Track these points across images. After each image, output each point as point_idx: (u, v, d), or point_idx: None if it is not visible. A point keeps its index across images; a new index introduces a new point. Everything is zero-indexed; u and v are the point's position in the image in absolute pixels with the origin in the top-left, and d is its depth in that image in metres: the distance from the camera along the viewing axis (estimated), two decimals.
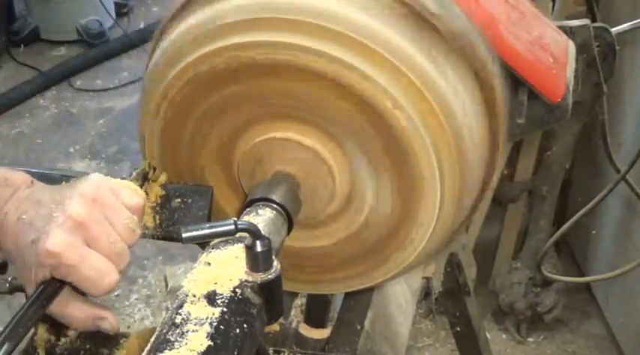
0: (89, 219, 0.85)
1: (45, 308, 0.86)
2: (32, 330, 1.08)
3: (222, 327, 0.74)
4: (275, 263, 0.81)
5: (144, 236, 1.00)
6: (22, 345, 1.08)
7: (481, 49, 0.98)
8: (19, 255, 0.87)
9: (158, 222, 1.01)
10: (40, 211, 0.86)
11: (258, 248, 0.79)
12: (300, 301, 1.67)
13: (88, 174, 0.97)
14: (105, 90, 4.12)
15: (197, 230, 0.77)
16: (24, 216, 0.86)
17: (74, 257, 0.84)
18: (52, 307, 0.88)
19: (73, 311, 0.90)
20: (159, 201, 1.01)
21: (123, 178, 0.99)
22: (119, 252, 0.88)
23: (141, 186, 1.00)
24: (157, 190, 1.02)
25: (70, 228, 0.84)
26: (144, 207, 0.95)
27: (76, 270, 0.85)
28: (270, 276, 0.80)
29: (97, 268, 0.85)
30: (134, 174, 1.02)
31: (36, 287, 0.86)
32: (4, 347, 0.78)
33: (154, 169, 1.04)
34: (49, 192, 0.89)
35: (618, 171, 1.88)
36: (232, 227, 0.77)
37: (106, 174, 0.99)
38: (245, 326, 0.76)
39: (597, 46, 1.28)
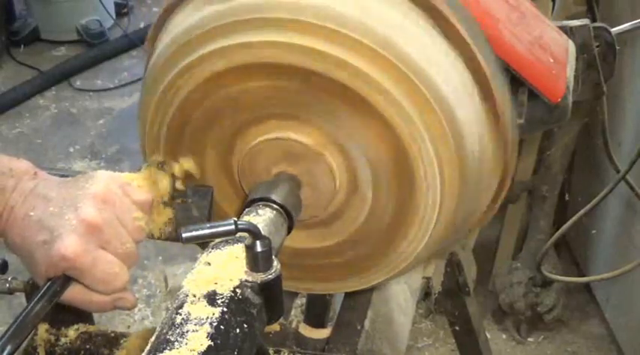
0: (102, 223, 0.86)
1: (53, 301, 0.87)
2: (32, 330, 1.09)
3: (222, 327, 0.74)
4: (275, 263, 0.81)
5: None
6: (23, 345, 1.08)
7: (485, 57, 0.99)
8: (27, 251, 0.88)
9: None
10: (49, 209, 0.87)
11: (258, 248, 0.79)
12: (300, 301, 1.68)
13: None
14: (105, 90, 4.12)
15: (197, 230, 0.77)
16: (31, 213, 0.87)
17: (87, 261, 0.85)
18: (70, 297, 0.89)
19: (91, 298, 0.91)
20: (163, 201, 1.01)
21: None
22: (129, 252, 0.89)
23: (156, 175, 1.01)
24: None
25: (84, 232, 0.85)
26: (151, 203, 0.96)
27: (89, 274, 0.86)
28: (270, 276, 0.80)
29: (108, 271, 0.87)
30: (143, 167, 1.02)
31: (45, 281, 0.87)
32: (9, 346, 0.79)
33: (163, 163, 1.04)
34: (56, 187, 0.89)
35: (618, 171, 1.88)
36: (232, 227, 0.77)
37: None
38: (245, 326, 0.76)
39: (597, 46, 1.28)
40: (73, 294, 0.89)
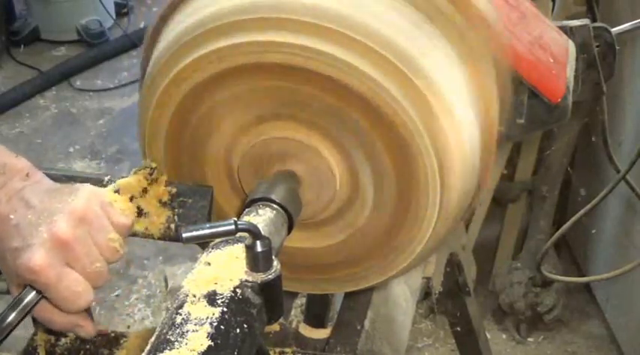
0: (73, 239, 0.86)
1: (26, 313, 0.87)
2: (32, 330, 1.09)
3: (222, 327, 0.74)
4: (275, 263, 0.81)
5: (144, 236, 1.00)
6: (22, 345, 1.09)
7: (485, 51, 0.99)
8: (2, 254, 0.88)
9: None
10: (28, 215, 0.87)
11: (258, 248, 0.79)
12: (300, 301, 1.68)
13: (85, 176, 0.97)
14: (105, 90, 4.12)
15: (197, 230, 0.77)
16: (12, 216, 0.87)
17: (51, 276, 0.85)
18: (35, 311, 0.89)
19: (56, 318, 0.91)
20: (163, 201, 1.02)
21: (123, 177, 0.99)
22: (98, 271, 0.89)
23: (147, 181, 1.01)
24: (161, 191, 1.02)
25: (52, 247, 0.85)
26: (131, 227, 0.96)
27: (53, 289, 0.86)
28: (270, 276, 0.80)
29: (72, 289, 0.87)
30: (132, 172, 1.02)
31: (17, 289, 0.88)
32: None
33: (155, 169, 1.04)
34: (41, 194, 0.89)
35: (618, 171, 1.88)
36: (232, 227, 0.77)
37: (106, 175, 1.00)
38: (245, 326, 0.76)
39: (597, 46, 1.28)
40: (37, 309, 0.89)
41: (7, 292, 1.00)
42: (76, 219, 0.87)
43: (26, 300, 0.87)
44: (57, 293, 0.86)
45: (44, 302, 0.89)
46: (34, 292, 0.87)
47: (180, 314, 0.76)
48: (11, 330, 0.86)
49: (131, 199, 0.99)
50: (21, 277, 0.86)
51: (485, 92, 1.00)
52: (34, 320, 1.00)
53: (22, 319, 0.87)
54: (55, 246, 0.85)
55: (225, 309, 0.76)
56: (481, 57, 0.99)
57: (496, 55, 1.01)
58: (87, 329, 0.93)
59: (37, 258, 0.84)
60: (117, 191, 0.98)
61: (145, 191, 1.00)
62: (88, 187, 0.92)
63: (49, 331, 1.08)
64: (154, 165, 1.03)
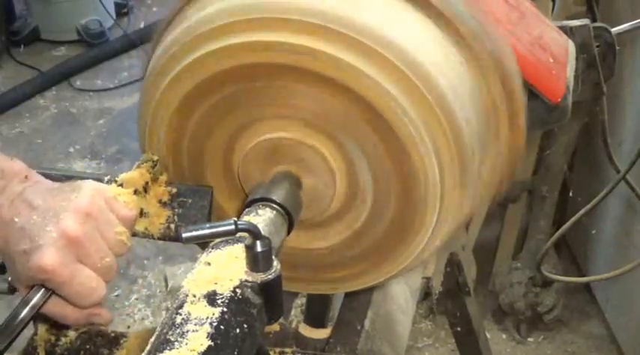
0: (82, 236, 0.86)
1: (36, 310, 0.87)
2: (32, 330, 1.09)
3: (222, 327, 0.74)
4: (275, 263, 0.81)
5: (144, 236, 1.00)
6: (23, 345, 1.09)
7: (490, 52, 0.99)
8: (9, 257, 0.88)
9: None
10: (33, 216, 0.86)
11: (258, 248, 0.79)
12: (300, 301, 1.68)
13: (85, 176, 0.97)
14: (105, 90, 4.12)
15: (197, 230, 0.77)
16: (16, 219, 0.87)
17: (65, 274, 0.85)
18: (46, 309, 0.89)
19: (69, 313, 0.91)
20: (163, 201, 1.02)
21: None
22: (108, 265, 0.89)
23: (149, 174, 1.01)
24: (161, 191, 1.02)
25: (63, 245, 0.85)
26: (136, 218, 0.96)
27: (67, 287, 0.86)
28: (270, 276, 0.80)
29: (86, 284, 0.87)
30: (135, 166, 1.02)
31: (25, 290, 0.88)
32: None
33: (157, 161, 1.04)
34: (43, 194, 0.89)
35: (618, 171, 1.88)
36: (232, 227, 0.77)
37: (106, 174, 1.00)
38: (245, 326, 0.76)
39: (597, 46, 1.28)
40: (50, 306, 0.89)
41: (8, 292, 1.00)
42: (83, 216, 0.87)
43: (35, 299, 0.87)
44: (71, 290, 0.87)
45: (57, 299, 0.89)
46: (42, 290, 0.87)
47: (180, 314, 0.76)
48: (22, 328, 0.86)
49: (135, 192, 0.99)
50: (33, 278, 0.86)
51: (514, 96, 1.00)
52: (35, 319, 1.00)
53: (32, 317, 0.87)
54: (65, 244, 0.85)
55: (225, 309, 0.76)
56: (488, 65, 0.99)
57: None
58: (104, 316, 0.93)
59: (49, 257, 0.84)
60: (120, 185, 0.98)
61: (147, 185, 1.00)
62: (90, 183, 0.92)
63: (52, 328, 1.08)
64: (155, 158, 1.03)
